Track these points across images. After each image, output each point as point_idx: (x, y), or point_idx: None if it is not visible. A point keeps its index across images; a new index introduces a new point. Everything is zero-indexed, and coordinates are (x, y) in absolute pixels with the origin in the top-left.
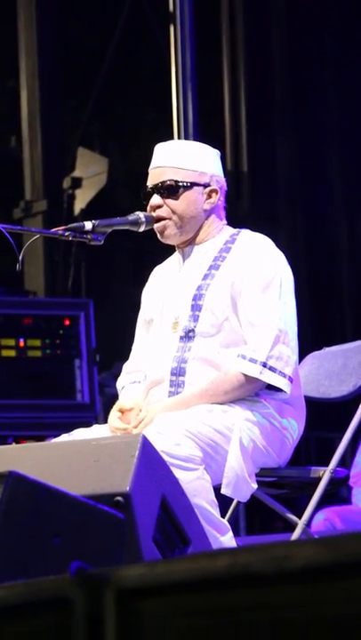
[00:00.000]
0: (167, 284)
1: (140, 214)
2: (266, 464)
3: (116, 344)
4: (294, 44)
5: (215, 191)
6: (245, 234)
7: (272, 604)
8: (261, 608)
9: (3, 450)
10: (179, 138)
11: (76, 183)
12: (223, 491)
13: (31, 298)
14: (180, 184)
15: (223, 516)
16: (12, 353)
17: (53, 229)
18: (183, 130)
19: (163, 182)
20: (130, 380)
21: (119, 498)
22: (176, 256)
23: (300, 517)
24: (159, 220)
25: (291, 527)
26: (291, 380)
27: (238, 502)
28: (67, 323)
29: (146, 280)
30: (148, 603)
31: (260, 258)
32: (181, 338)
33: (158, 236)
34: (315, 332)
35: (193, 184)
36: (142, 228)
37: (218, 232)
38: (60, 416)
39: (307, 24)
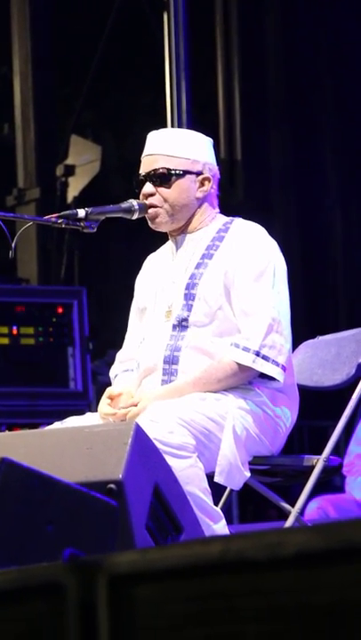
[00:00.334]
0: (160, 272)
1: (134, 202)
2: (259, 452)
3: (109, 332)
4: (288, 34)
5: (208, 179)
6: (239, 222)
7: (265, 591)
8: (255, 594)
9: None
10: (172, 126)
11: (69, 171)
12: (216, 479)
13: (24, 285)
14: (173, 172)
15: (216, 504)
16: (4, 340)
17: (46, 217)
18: (177, 118)
19: (155, 170)
20: (123, 369)
21: (112, 485)
22: (169, 244)
23: (293, 506)
24: (151, 207)
25: (284, 515)
26: (284, 368)
27: (231, 490)
28: (60, 310)
29: (139, 268)
30: (140, 589)
31: (253, 247)
32: (174, 326)
33: (150, 223)
34: (308, 321)
35: (185, 172)
36: (135, 216)
37: (211, 220)
38: (52, 404)
39: (301, 14)
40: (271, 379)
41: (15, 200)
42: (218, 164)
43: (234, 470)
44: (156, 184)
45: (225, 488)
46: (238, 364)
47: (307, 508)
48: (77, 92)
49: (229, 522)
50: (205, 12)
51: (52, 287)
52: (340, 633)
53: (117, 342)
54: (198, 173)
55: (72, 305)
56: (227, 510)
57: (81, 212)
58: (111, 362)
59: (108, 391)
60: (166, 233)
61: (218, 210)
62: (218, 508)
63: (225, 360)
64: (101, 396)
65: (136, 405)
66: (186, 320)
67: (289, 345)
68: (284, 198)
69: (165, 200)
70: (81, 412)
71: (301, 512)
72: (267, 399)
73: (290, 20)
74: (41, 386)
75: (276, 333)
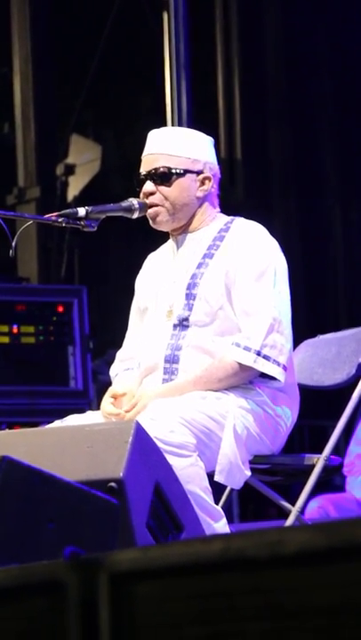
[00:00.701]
0: (161, 271)
1: (134, 201)
2: (259, 451)
3: (109, 331)
4: (288, 32)
5: (208, 178)
6: (239, 222)
7: (266, 589)
8: (255, 592)
9: None
10: (172, 125)
11: (70, 170)
12: (217, 478)
13: (24, 284)
14: (174, 171)
15: (217, 502)
16: (5, 339)
17: (47, 216)
18: (177, 117)
19: (156, 169)
20: (123, 368)
21: (113, 484)
22: (170, 244)
23: (293, 505)
24: (152, 206)
25: (284, 514)
26: (285, 368)
27: (232, 489)
28: (60, 309)
29: (139, 267)
30: (141, 587)
31: (254, 246)
32: (175, 326)
33: (150, 222)
34: (309, 320)
35: (186, 171)
36: (136, 215)
37: (211, 220)
38: (53, 402)
39: (301, 11)
40: (272, 378)
41: (15, 199)
42: (218, 164)
43: (234, 469)
44: (156, 183)
45: (225, 487)
46: (239, 364)
47: (307, 508)
48: (77, 91)
49: (230, 521)
50: (205, 12)
51: (52, 286)
52: (340, 631)
53: (118, 341)
54: (199, 172)
55: (72, 304)
56: (227, 509)
57: (81, 211)
58: (111, 361)
59: (112, 390)
60: (167, 232)
61: (219, 209)
62: (218, 507)
63: (226, 359)
64: (102, 395)
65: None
66: (187, 319)
67: (290, 344)
68: (285, 197)
69: (166, 199)
70: (81, 411)
71: (302, 511)
72: (267, 398)
73: (290, 19)
74: (41, 385)
75: (277, 333)
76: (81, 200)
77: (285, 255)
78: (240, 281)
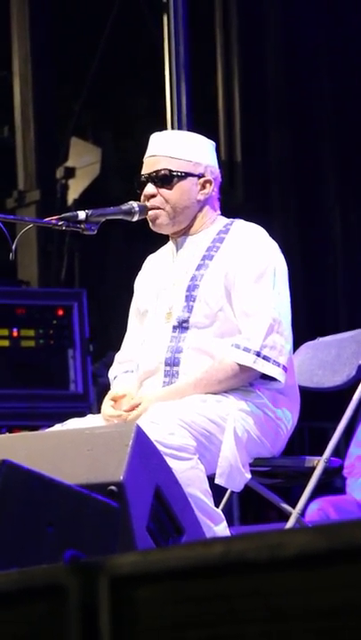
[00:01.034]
0: (160, 274)
1: (134, 204)
2: (260, 454)
3: (109, 334)
4: (288, 34)
5: (209, 182)
6: (239, 224)
7: (266, 592)
8: (256, 595)
9: None
10: (172, 128)
11: (70, 173)
12: (217, 480)
13: (24, 288)
14: (175, 174)
15: (217, 505)
16: (5, 343)
17: (47, 219)
18: (177, 119)
19: (157, 171)
20: (122, 370)
21: (113, 487)
22: (169, 246)
23: (294, 507)
24: (152, 209)
25: (285, 517)
26: (285, 369)
27: (232, 492)
28: (60, 313)
29: (139, 270)
30: (142, 590)
31: (253, 248)
32: (175, 328)
33: (150, 224)
34: (309, 323)
35: (187, 174)
36: (136, 218)
37: (211, 223)
38: (53, 406)
39: (301, 13)
40: (272, 379)
41: (15, 202)
42: (219, 167)
43: (234, 472)
44: (157, 185)
45: (226, 490)
46: (239, 365)
47: (307, 510)
48: (77, 94)
49: (230, 523)
50: (205, 14)
51: (52, 289)
52: (341, 634)
53: (117, 344)
54: (200, 176)
55: (72, 307)
56: (227, 512)
57: (81, 214)
58: (110, 363)
59: (112, 393)
60: (167, 234)
61: (219, 212)
62: (219, 510)
63: (226, 361)
64: (102, 398)
65: (137, 406)
66: (187, 321)
67: (290, 345)
68: (284, 199)
69: (167, 201)
70: (82, 415)
71: (302, 513)
72: (268, 401)
73: (290, 21)
74: (41, 388)
75: (276, 334)
76: (81, 203)
77: (285, 257)
78: (240, 282)
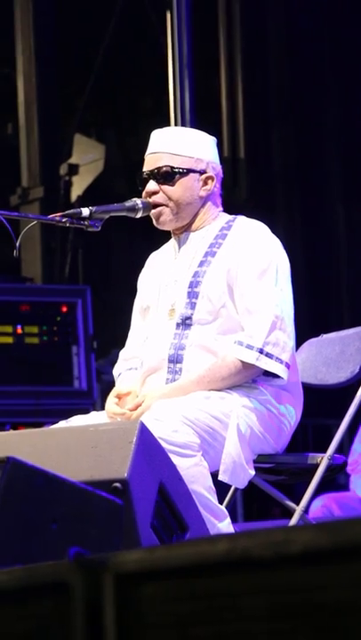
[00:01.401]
0: (163, 270)
1: (137, 200)
2: (263, 450)
3: (113, 331)
4: (291, 31)
5: (211, 178)
6: (241, 220)
7: (271, 589)
8: (261, 592)
9: (0, 436)
10: (175, 125)
11: (73, 170)
12: (221, 477)
13: (28, 284)
14: (176, 170)
15: (221, 502)
16: (9, 339)
17: (50, 216)
18: (180, 116)
19: (159, 168)
20: (126, 367)
21: (117, 484)
22: (172, 242)
23: (297, 504)
24: (156, 206)
25: (288, 513)
26: (288, 366)
27: (236, 489)
28: (64, 309)
29: (142, 267)
30: (146, 587)
31: (255, 244)
32: (178, 325)
33: (154, 222)
34: (312, 319)
35: (189, 170)
36: (139, 215)
37: (214, 219)
38: (57, 403)
39: (303, 10)
40: (275, 376)
41: (19, 199)
42: (221, 163)
43: (238, 469)
44: (159, 182)
45: (229, 486)
46: (242, 362)
47: (311, 506)
48: (81, 91)
49: (234, 520)
50: (208, 11)
51: (56, 286)
52: (345, 631)
53: (121, 341)
54: (202, 172)
55: (76, 304)
56: (231, 509)
57: (85, 211)
58: (115, 360)
59: (116, 390)
60: (169, 231)
61: (221, 208)
62: (223, 507)
63: (229, 358)
64: (106, 395)
65: (141, 405)
66: (189, 318)
67: (292, 342)
68: (288, 196)
69: (169, 198)
70: (85, 411)
71: (306, 510)
72: (271, 397)
73: (293, 18)
74: (45, 385)
75: (279, 331)
76: (84, 200)
77: (288, 254)
78: (242, 279)
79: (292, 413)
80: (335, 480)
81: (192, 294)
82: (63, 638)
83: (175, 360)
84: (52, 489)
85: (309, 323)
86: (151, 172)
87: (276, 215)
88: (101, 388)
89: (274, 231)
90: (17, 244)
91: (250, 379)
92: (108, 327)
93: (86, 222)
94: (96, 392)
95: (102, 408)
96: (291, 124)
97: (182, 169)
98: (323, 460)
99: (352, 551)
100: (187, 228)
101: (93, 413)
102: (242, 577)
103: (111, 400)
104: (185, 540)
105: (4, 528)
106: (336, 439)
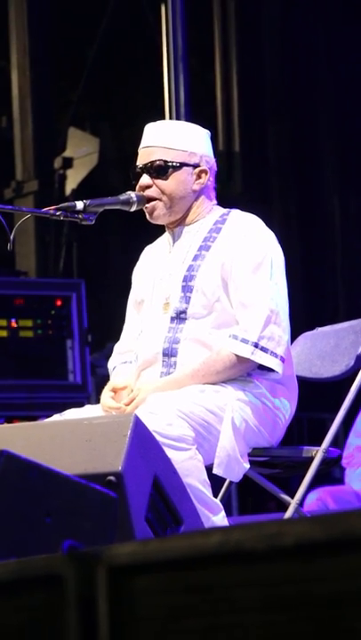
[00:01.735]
0: (157, 264)
1: (132, 194)
2: (258, 444)
3: (107, 325)
4: (286, 25)
5: (205, 171)
6: (235, 214)
7: (264, 581)
8: (254, 585)
9: None
10: (170, 118)
11: (67, 163)
12: (215, 470)
13: (22, 278)
14: (170, 164)
15: (216, 495)
16: (3, 333)
17: (45, 209)
18: (175, 110)
19: (152, 162)
20: (121, 360)
21: (111, 477)
22: (166, 236)
23: (292, 497)
24: (149, 200)
25: (283, 507)
26: (283, 359)
27: (231, 482)
28: (58, 303)
29: (137, 261)
30: (140, 580)
31: (250, 238)
32: (172, 319)
33: (147, 216)
34: (307, 313)
35: (182, 164)
36: (134, 208)
37: (208, 212)
38: (51, 396)
39: (299, 5)
40: (270, 370)
41: (13, 192)
42: (215, 157)
43: (233, 462)
44: (152, 176)
45: (224, 480)
46: (237, 356)
47: (306, 500)
48: (75, 85)
49: (229, 513)
50: (203, 4)
51: (50, 280)
52: (340, 623)
53: (116, 335)
54: (195, 166)
55: (71, 297)
56: (226, 502)
57: (79, 205)
58: (110, 354)
59: (112, 384)
60: (163, 225)
61: (215, 202)
62: (217, 500)
63: (223, 352)
64: (100, 388)
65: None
66: (184, 312)
67: (287, 336)
68: (283, 190)
69: (163, 192)
70: (80, 405)
71: (301, 503)
72: (266, 391)
73: (288, 12)
74: (40, 378)
75: (274, 325)
76: (79, 193)
77: (283, 248)
78: (236, 273)
79: (286, 407)
80: (330, 473)
81: (186, 288)
82: (56, 631)
83: (170, 354)
84: (46, 482)
85: (304, 316)
86: (144, 165)
87: (271, 209)
88: (96, 382)
89: (269, 225)
90: (11, 238)
91: (244, 372)
92: (103, 321)
93: (80, 215)
94: (91, 386)
95: (97, 402)
96: (286, 117)
97: (175, 163)
98: (318, 454)
99: (346, 543)
100: (181, 222)
101: (88, 407)
102: (235, 569)
103: (107, 394)
104: (179, 533)
105: None
106: (331, 432)
